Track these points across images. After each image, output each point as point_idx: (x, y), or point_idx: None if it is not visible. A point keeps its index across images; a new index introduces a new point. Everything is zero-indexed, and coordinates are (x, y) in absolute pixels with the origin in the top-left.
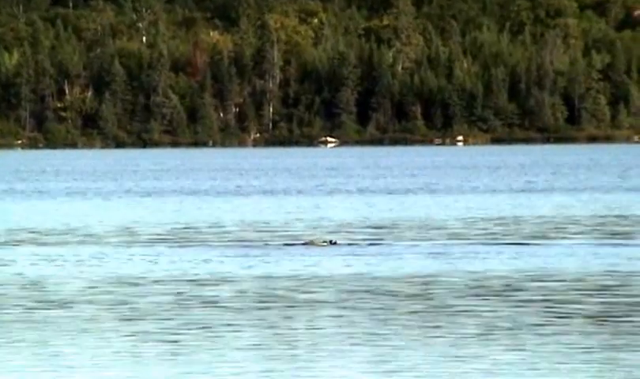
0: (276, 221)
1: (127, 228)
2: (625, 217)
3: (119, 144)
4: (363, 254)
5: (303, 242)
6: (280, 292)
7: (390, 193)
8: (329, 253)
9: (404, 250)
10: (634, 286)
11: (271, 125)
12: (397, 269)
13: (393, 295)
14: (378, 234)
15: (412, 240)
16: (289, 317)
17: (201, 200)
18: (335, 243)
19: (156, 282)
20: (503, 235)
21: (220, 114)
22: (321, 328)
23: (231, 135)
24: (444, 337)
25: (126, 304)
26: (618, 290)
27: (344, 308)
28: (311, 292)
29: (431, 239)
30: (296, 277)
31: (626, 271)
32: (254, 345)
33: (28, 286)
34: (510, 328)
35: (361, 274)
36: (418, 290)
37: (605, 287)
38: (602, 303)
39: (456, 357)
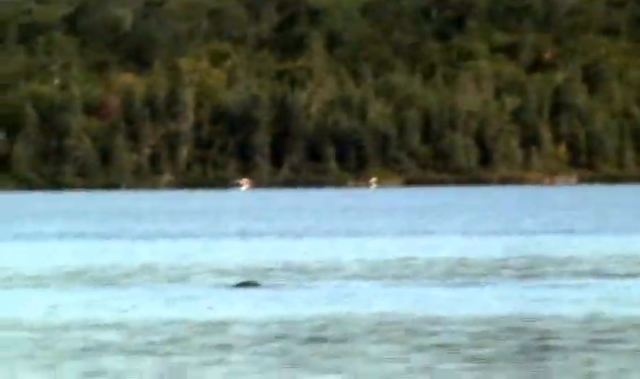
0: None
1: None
2: (529, 257)
3: (32, 187)
4: (279, 296)
5: (238, 283)
6: (190, 336)
7: (285, 236)
8: (247, 296)
9: (315, 292)
10: (537, 329)
11: (185, 167)
12: (304, 311)
13: (291, 338)
14: (289, 277)
15: (317, 281)
16: (199, 364)
17: (99, 243)
18: (256, 284)
19: (57, 327)
20: (406, 277)
21: (133, 157)
22: (228, 375)
23: (144, 177)
24: None
25: (31, 350)
26: (523, 333)
27: (254, 353)
28: (224, 335)
29: (332, 280)
30: (210, 321)
31: (530, 313)
32: None
33: None
34: (423, 372)
35: (275, 316)
36: (320, 332)
37: (511, 330)
38: (508, 346)
39: None
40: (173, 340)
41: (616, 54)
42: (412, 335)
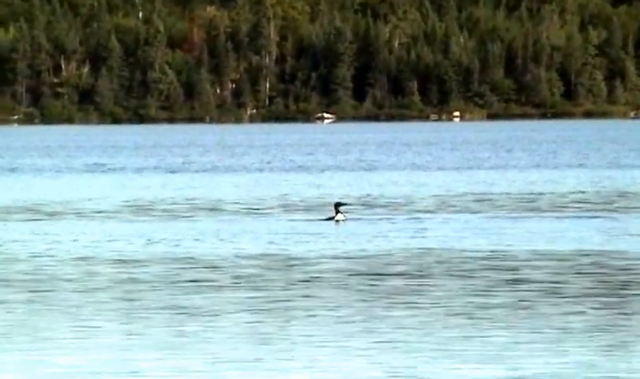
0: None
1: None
2: (608, 191)
3: (116, 120)
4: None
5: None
6: (279, 270)
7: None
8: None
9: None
10: (619, 265)
11: (267, 100)
12: (388, 245)
13: (378, 274)
14: (374, 211)
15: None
16: (284, 298)
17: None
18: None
19: (145, 260)
20: (486, 211)
21: (216, 90)
22: (313, 309)
23: (227, 111)
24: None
25: (114, 282)
26: (602, 268)
27: (339, 287)
28: (311, 269)
29: (411, 213)
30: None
31: (611, 249)
32: (249, 324)
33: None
34: (503, 306)
35: (361, 251)
36: (401, 267)
37: (589, 265)
38: (592, 281)
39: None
40: (256, 275)
41: None
42: (492, 270)
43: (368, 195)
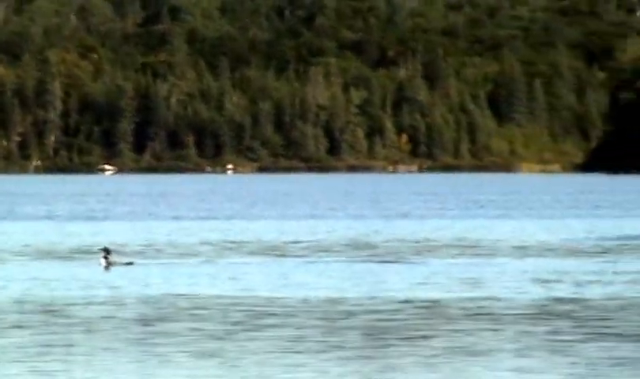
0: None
1: None
2: (358, 240)
3: None
4: (161, 274)
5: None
6: (46, 314)
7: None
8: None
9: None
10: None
11: (52, 153)
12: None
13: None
14: (158, 256)
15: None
16: (60, 342)
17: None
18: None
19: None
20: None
21: (2, 143)
22: (92, 353)
23: (12, 163)
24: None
25: None
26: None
27: (112, 331)
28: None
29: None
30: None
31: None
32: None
33: None
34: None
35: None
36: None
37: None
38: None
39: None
40: (23, 321)
41: (454, 53)
42: (233, 312)
43: (139, 242)
